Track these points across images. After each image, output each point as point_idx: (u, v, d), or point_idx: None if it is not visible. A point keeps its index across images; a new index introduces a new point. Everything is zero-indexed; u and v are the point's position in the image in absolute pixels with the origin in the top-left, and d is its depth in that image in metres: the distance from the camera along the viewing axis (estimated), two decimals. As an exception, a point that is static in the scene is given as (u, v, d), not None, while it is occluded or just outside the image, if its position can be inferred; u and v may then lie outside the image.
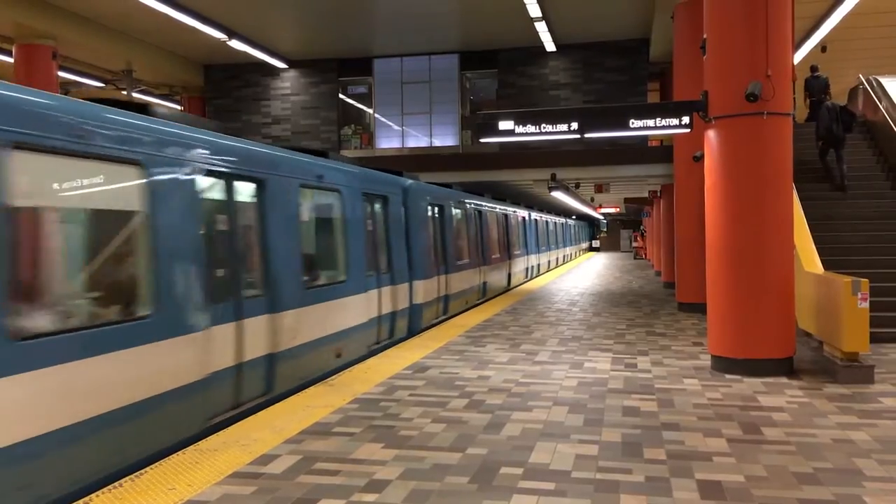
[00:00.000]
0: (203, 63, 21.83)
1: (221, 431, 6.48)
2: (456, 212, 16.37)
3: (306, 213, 9.37)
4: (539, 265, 29.20)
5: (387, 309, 11.56)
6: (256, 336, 7.56)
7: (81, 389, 5.21)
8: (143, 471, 5.41)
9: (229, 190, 7.46)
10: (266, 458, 5.68)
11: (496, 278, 20.11)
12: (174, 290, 6.33)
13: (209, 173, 6.99)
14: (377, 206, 11.67)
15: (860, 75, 18.14)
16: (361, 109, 22.38)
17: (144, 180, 6.11)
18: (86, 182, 5.82)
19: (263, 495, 4.92)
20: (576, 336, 11.94)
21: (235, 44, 18.59)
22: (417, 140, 21.61)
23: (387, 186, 12.07)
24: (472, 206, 18.08)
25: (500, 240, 21.37)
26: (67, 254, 5.93)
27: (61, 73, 18.35)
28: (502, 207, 22.19)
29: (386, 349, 11.02)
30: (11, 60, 17.12)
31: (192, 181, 6.71)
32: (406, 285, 12.49)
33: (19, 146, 4.89)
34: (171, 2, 15.61)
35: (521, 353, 10.38)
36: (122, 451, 5.65)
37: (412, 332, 12.70)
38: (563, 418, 6.79)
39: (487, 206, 19.90)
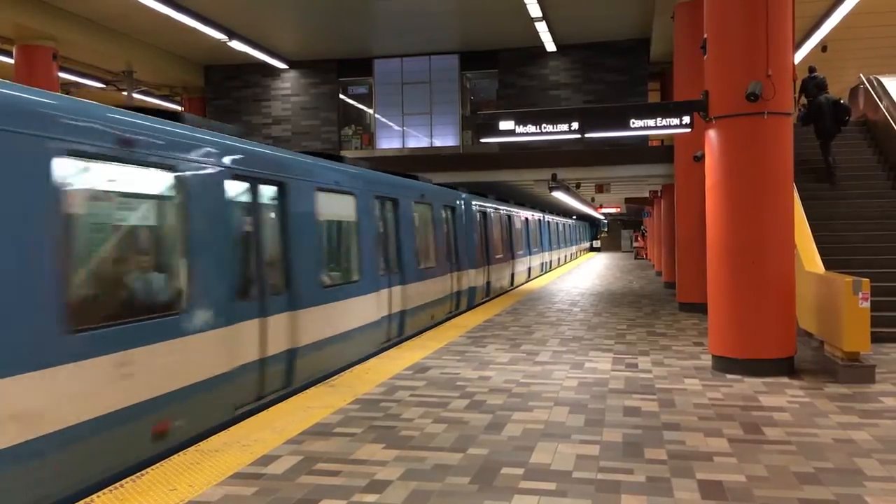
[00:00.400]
0: (203, 64, 21.83)
1: (222, 432, 6.49)
2: (494, 217, 20.38)
3: (416, 219, 13.60)
4: (551, 261, 33.79)
5: (456, 288, 15.93)
6: (397, 298, 12.08)
7: (347, 314, 9.93)
8: (144, 471, 5.42)
9: (383, 205, 12.00)
10: (267, 459, 5.68)
11: (520, 270, 24.39)
12: (371, 266, 10.97)
13: (376, 197, 11.55)
14: (449, 214, 15.86)
15: (861, 75, 18.15)
16: (362, 110, 22.39)
17: (357, 203, 10.64)
18: (338, 204, 10.28)
19: (264, 496, 4.92)
20: (576, 336, 11.94)
21: (236, 44, 18.60)
22: (418, 140, 21.61)
23: (453, 198, 16.36)
24: (504, 211, 21.93)
25: (524, 239, 25.57)
26: (333, 244, 10.49)
27: (62, 74, 18.37)
28: (524, 212, 26.08)
29: (457, 316, 14.85)
30: (12, 61, 17.13)
31: (373, 202, 11.35)
32: (466, 272, 16.82)
33: (319, 189, 9.36)
34: (172, 2, 15.62)
35: (521, 353, 10.38)
36: (365, 346, 10.51)
37: (469, 306, 17.03)
38: (563, 418, 6.79)
39: (514, 211, 23.86)
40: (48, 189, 5.11)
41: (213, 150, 7.13)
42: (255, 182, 7.92)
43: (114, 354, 5.59)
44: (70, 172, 5.37)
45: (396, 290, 12.04)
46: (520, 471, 5.34)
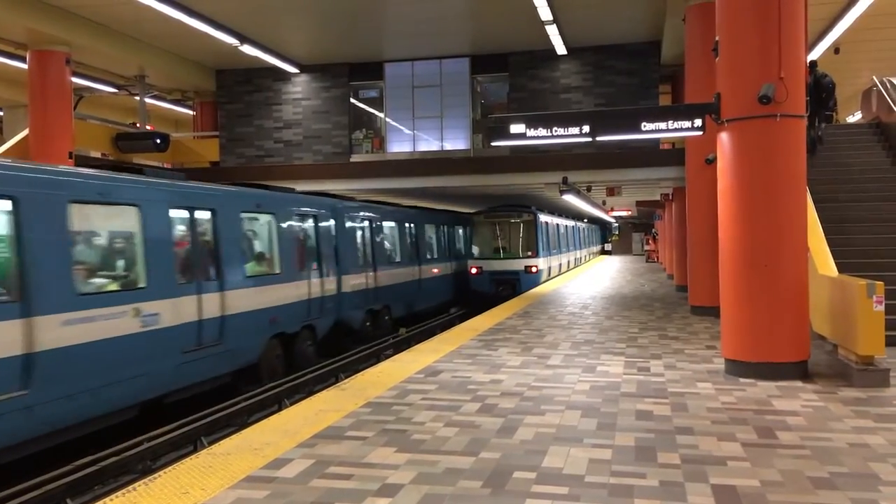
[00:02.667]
0: (215, 68, 21.91)
1: (235, 435, 6.50)
2: (554, 225, 30.43)
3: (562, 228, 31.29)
4: (582, 257, 43.99)
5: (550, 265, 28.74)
6: (545, 264, 26.94)
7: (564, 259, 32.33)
8: (156, 475, 5.44)
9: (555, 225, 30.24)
10: (279, 462, 5.69)
11: (566, 261, 33.89)
12: (550, 248, 28.34)
13: (550, 216, 28.30)
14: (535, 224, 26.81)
15: (874, 77, 18.03)
16: (373, 114, 22.41)
17: (581, 225, 39.22)
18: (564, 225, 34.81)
19: (276, 499, 4.92)
20: (588, 340, 11.91)
21: (247, 49, 18.65)
22: (429, 144, 21.61)
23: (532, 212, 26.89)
24: (554, 220, 30.25)
25: (568, 240, 35.43)
26: (565, 236, 34.35)
27: (75, 79, 18.48)
28: (566, 221, 35.55)
29: (554, 278, 28.01)
30: (25, 66, 17.25)
31: (552, 223, 29.68)
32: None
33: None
34: (184, 8, 15.68)
35: (533, 356, 10.36)
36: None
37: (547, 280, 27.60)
38: (576, 422, 6.77)
39: (562, 220, 33.45)
40: None
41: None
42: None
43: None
44: None
45: (547, 258, 26.44)
46: (532, 475, 5.33)
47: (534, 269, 25.48)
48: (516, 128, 10.00)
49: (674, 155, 18.70)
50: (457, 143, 21.38)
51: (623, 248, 67.35)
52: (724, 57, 8.82)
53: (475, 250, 26.06)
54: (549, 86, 20.57)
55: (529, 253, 25.76)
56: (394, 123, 21.71)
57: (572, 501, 4.82)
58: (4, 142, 19.31)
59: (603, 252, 66.23)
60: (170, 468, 5.60)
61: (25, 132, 17.41)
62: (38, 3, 15.63)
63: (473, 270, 25.54)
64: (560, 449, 5.93)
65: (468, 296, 25.82)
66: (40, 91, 16.90)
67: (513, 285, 24.91)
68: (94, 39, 17.35)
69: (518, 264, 25.56)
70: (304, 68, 21.52)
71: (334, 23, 17.95)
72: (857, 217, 13.35)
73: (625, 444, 6.04)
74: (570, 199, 24.17)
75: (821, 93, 15.41)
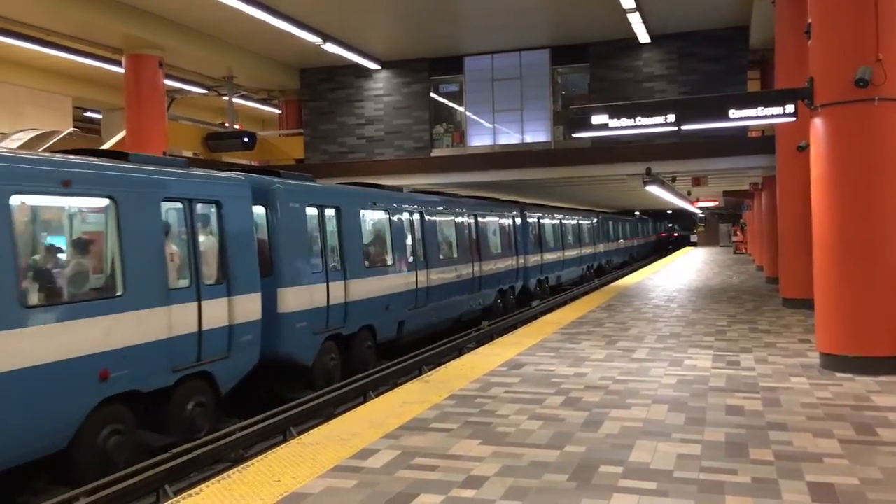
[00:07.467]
0: (299, 67, 22.38)
1: (323, 425, 6.65)
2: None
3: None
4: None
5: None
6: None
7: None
8: (248, 463, 5.62)
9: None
10: (366, 453, 5.79)
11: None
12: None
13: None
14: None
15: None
16: (453, 108, 22.48)
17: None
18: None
19: (364, 489, 5.01)
20: (674, 333, 11.66)
21: (330, 47, 18.97)
22: (509, 137, 21.54)
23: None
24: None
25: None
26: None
27: (167, 82, 19.19)
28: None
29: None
30: (122, 70, 18.01)
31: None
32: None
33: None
34: (269, 8, 16.06)
35: (617, 349, 10.22)
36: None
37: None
38: (663, 417, 6.65)
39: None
40: None
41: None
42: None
43: None
44: None
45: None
46: (619, 469, 5.27)
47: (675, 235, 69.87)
48: (598, 118, 9.88)
49: (763, 143, 18.11)
50: (537, 135, 21.24)
51: (709, 240, 65.60)
52: (817, 39, 8.48)
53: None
54: (631, 75, 20.20)
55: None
56: (474, 117, 21.73)
57: (661, 497, 4.74)
58: (103, 143, 20.22)
59: (689, 244, 65.42)
60: (261, 457, 5.78)
61: (122, 133, 18.19)
62: (133, 10, 16.29)
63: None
64: (647, 443, 5.84)
65: (663, 249, 60.56)
66: (135, 94, 17.62)
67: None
68: (185, 42, 17.98)
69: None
70: (384, 64, 21.75)
71: (414, 18, 18.08)
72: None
73: (714, 440, 5.90)
74: (654, 191, 23.67)
75: None
